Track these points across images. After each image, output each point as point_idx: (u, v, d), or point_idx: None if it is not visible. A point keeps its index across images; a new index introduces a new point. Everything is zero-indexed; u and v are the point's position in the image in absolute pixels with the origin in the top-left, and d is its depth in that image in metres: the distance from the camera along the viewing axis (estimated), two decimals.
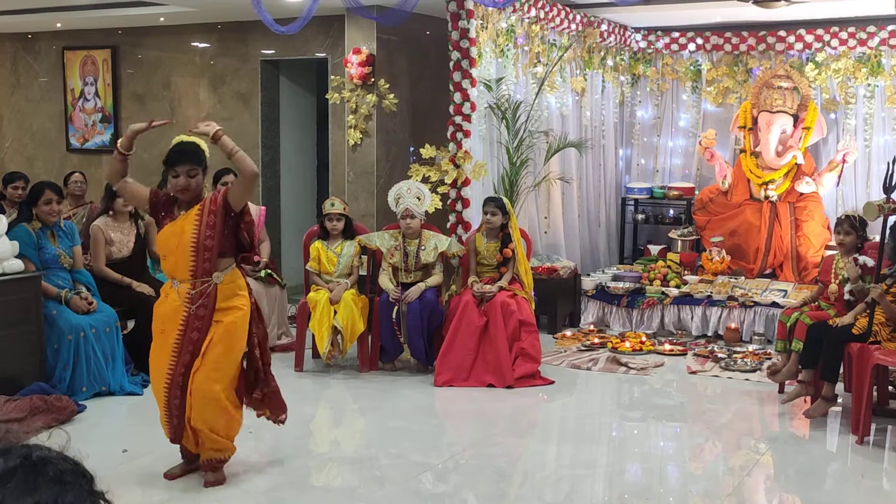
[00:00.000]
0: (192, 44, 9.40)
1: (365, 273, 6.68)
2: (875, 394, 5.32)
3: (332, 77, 8.30)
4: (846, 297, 5.57)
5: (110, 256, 6.22)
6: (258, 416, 4.46)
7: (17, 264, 5.48)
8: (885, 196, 5.30)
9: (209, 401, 4.08)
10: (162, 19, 9.07)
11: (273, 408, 4.44)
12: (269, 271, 6.95)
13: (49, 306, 5.60)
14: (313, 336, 6.32)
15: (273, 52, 8.99)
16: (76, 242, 5.96)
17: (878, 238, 5.46)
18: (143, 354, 6.08)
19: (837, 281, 5.71)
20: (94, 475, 1.14)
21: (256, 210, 7.16)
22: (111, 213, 6.29)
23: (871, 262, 5.40)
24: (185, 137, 4.29)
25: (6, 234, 5.50)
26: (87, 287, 5.86)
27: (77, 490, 1.09)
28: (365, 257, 6.69)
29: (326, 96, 8.38)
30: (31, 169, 9.45)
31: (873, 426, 5.12)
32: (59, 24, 9.70)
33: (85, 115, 10.05)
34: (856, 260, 5.49)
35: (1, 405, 5.04)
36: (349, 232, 6.54)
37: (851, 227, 5.68)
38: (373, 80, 8.00)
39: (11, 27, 9.97)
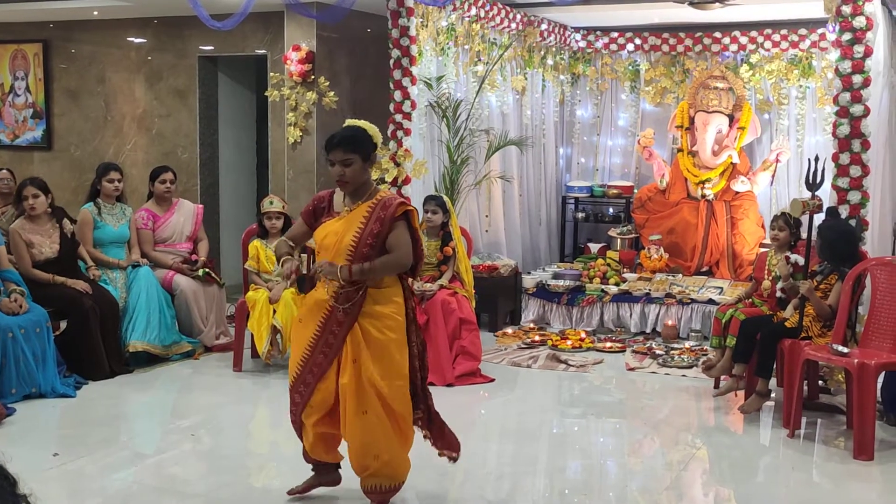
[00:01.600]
0: (128, 38, 9.24)
1: (306, 271, 6.62)
2: (806, 388, 5.44)
3: (272, 74, 8.23)
4: (778, 294, 5.69)
5: (34, 258, 6.08)
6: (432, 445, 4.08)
7: None
8: (810, 193, 5.41)
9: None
10: (96, 13, 8.89)
11: (442, 440, 4.05)
12: (208, 270, 6.87)
13: None
14: (252, 336, 6.25)
15: (211, 48, 8.88)
16: (0, 243, 5.83)
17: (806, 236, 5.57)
18: (75, 355, 6.01)
19: (770, 277, 5.83)
20: (17, 478, 1.11)
21: (193, 208, 7.09)
22: (27, 216, 6.14)
23: (802, 261, 5.52)
24: (350, 121, 3.90)
25: None
26: (18, 285, 5.74)
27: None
28: (304, 256, 6.63)
29: (266, 93, 8.31)
30: None
31: (804, 420, 5.23)
32: None
33: (15, 111, 9.82)
34: (787, 258, 5.61)
35: None
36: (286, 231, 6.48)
37: (786, 224, 5.81)
38: (313, 77, 7.95)
39: None
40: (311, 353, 3.79)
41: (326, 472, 4.07)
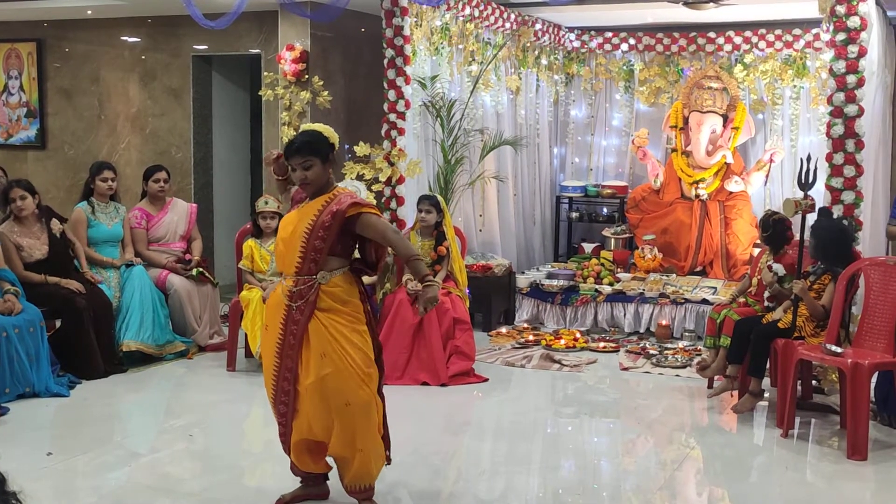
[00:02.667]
0: (122, 38, 9.22)
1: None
2: (799, 388, 5.45)
3: (266, 73, 8.22)
4: (766, 303, 5.70)
5: (25, 260, 6.06)
6: None
7: None
8: (802, 193, 5.43)
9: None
10: (90, 12, 8.87)
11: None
12: (201, 270, 6.86)
13: None
14: (246, 335, 6.25)
15: (205, 47, 8.87)
16: None
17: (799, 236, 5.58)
18: (69, 354, 6.00)
19: (759, 277, 5.83)
20: (5, 476, 1.11)
21: (187, 208, 7.09)
22: (14, 218, 6.12)
23: (782, 270, 5.54)
24: (306, 126, 3.99)
25: None
26: (13, 285, 5.73)
27: None
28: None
29: (260, 93, 8.29)
30: None
31: (797, 420, 5.25)
32: None
33: (9, 110, 9.80)
34: (770, 268, 5.61)
35: None
36: None
37: (760, 224, 5.88)
38: (307, 76, 7.95)
39: None
40: (281, 359, 3.81)
41: (315, 485, 4.06)
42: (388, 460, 4.00)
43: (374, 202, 6.70)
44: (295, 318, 3.76)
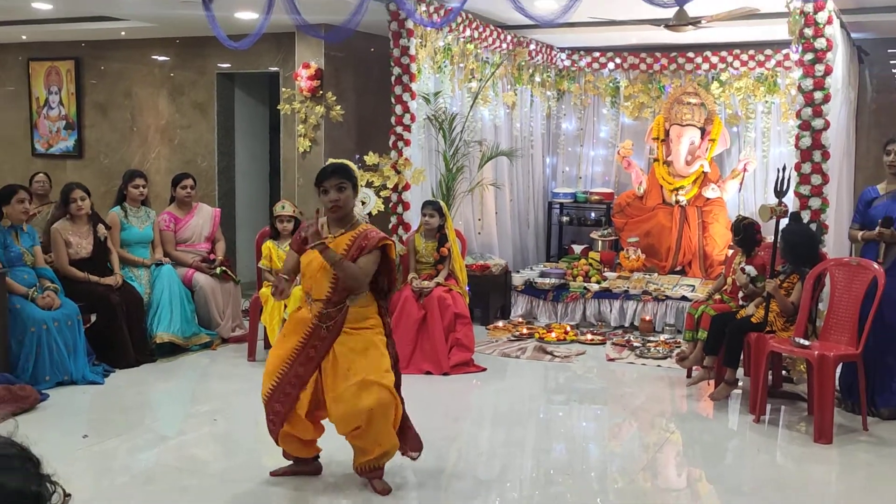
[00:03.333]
0: (152, 57, 9.22)
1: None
2: (770, 378, 5.44)
3: (284, 89, 8.21)
4: (740, 301, 5.69)
5: (71, 256, 6.10)
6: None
7: None
8: (776, 200, 5.42)
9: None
10: (123, 33, 8.87)
11: (406, 442, 3.98)
12: (225, 269, 6.86)
13: (13, 300, 5.46)
14: (265, 328, 6.24)
15: (229, 65, 8.86)
16: (36, 242, 5.87)
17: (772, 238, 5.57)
18: (104, 346, 5.99)
19: (733, 277, 5.82)
20: (40, 459, 1.10)
21: (211, 212, 7.08)
22: (68, 217, 6.14)
23: (754, 272, 5.52)
24: (333, 159, 4.02)
25: None
26: (52, 282, 5.74)
27: (23, 473, 1.06)
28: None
29: (278, 107, 8.29)
30: None
31: (769, 406, 5.23)
32: (24, 37, 9.43)
33: (49, 123, 9.79)
34: (742, 269, 5.60)
35: None
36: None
37: (732, 229, 5.88)
38: (321, 92, 7.94)
39: None
40: (291, 365, 3.79)
41: (306, 464, 4.06)
42: (414, 458, 3.99)
43: (382, 207, 6.68)
44: (322, 336, 3.76)
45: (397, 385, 3.89)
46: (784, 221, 5.45)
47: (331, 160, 4.04)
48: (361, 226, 3.85)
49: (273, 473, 4.05)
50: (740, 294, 5.65)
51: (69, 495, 1.10)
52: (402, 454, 3.98)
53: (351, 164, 3.99)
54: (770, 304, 5.28)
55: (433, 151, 7.47)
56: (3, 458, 1.06)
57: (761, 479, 4.26)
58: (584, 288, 7.74)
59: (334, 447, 4.04)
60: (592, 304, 7.69)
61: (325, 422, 3.97)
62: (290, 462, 4.09)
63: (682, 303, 7.29)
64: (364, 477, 3.90)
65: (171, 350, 6.39)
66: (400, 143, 6.83)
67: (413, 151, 6.93)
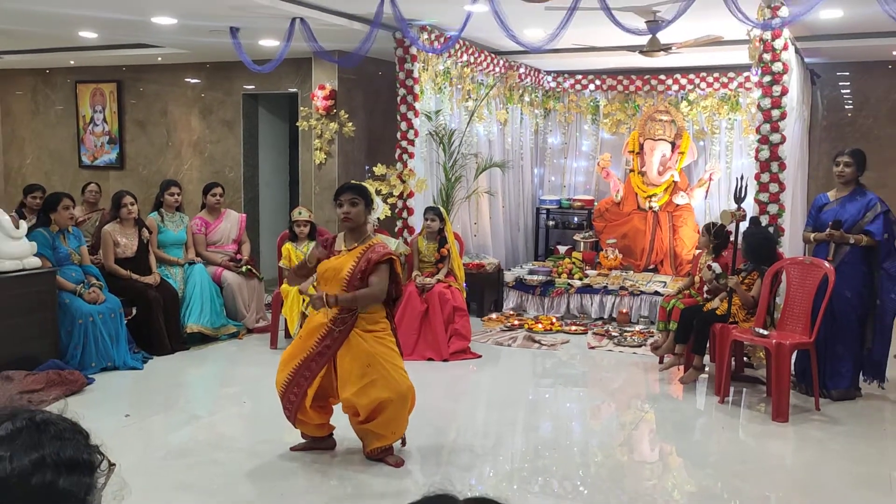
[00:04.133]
0: (186, 79, 9.22)
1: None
2: (733, 363, 5.45)
3: (302, 108, 8.22)
4: (706, 295, 5.69)
5: (117, 255, 6.12)
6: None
7: (36, 261, 5.37)
8: (736, 206, 5.43)
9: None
10: (160, 59, 8.88)
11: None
12: (250, 267, 6.86)
13: (63, 296, 5.47)
14: (285, 320, 6.25)
15: (253, 87, 8.87)
16: (82, 243, 5.88)
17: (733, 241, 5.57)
18: (143, 336, 6.00)
19: (700, 275, 5.83)
20: (89, 432, 1.11)
21: (238, 217, 7.08)
22: (119, 220, 6.18)
23: (719, 269, 5.53)
24: (353, 181, 4.07)
25: (25, 236, 5.37)
26: (97, 278, 5.75)
27: (75, 444, 1.08)
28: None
29: (297, 124, 8.29)
30: (49, 182, 9.17)
31: (732, 389, 5.24)
32: (72, 62, 9.44)
33: (94, 138, 9.80)
34: (709, 267, 5.61)
35: (22, 378, 4.90)
36: (314, 235, 6.48)
37: (706, 231, 5.87)
38: (335, 111, 7.94)
39: (32, 63, 9.67)
40: (304, 361, 3.81)
41: (321, 441, 4.08)
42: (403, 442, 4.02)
43: (389, 213, 6.69)
44: (334, 336, 3.78)
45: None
46: (744, 225, 5.46)
47: (352, 182, 4.06)
48: (371, 241, 3.87)
49: (293, 448, 4.07)
50: (706, 288, 5.66)
51: (114, 465, 1.12)
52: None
53: (368, 186, 4.00)
54: (733, 298, 5.29)
55: (434, 163, 7.47)
56: (57, 431, 1.08)
57: (725, 452, 4.27)
58: (568, 284, 7.75)
59: (346, 425, 4.04)
60: (575, 298, 7.69)
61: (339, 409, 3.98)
62: (307, 440, 4.10)
63: (655, 297, 7.28)
64: (375, 458, 3.91)
65: (202, 339, 6.39)
66: (405, 156, 6.83)
67: (416, 163, 6.93)
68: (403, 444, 4.01)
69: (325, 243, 3.94)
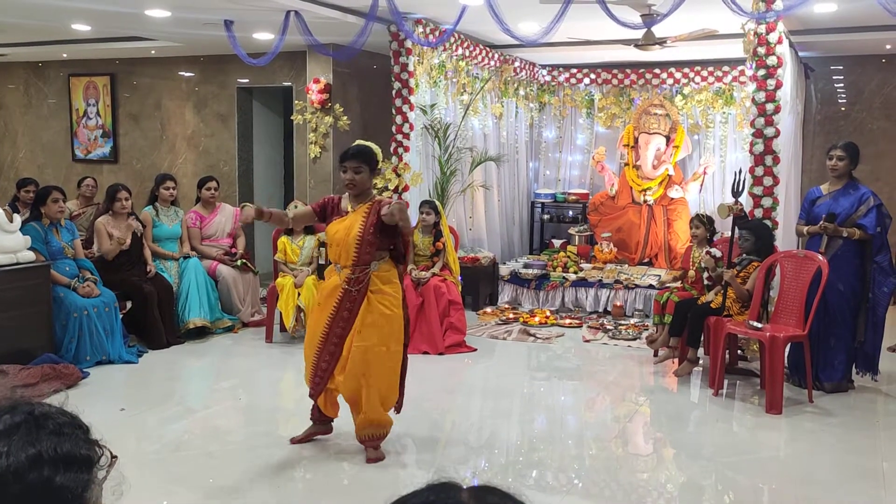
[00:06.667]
0: (179, 73, 9.19)
1: (323, 262, 6.62)
2: (727, 356, 5.46)
3: (296, 102, 8.20)
4: (705, 282, 5.70)
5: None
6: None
7: (30, 255, 5.35)
8: (733, 199, 5.44)
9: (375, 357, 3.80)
10: (153, 52, 8.85)
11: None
12: (245, 261, 6.85)
13: (57, 290, 5.46)
14: (281, 314, 6.24)
15: (247, 80, 8.84)
16: (76, 236, 5.86)
17: (728, 233, 5.59)
18: (138, 329, 5.99)
19: (695, 267, 5.84)
20: (89, 426, 1.11)
21: (233, 211, 7.07)
22: (112, 213, 6.16)
23: (718, 253, 5.55)
24: (360, 141, 3.99)
25: (19, 230, 5.35)
26: (91, 272, 5.74)
27: (74, 439, 1.07)
28: (323, 249, 6.62)
29: (291, 118, 8.28)
30: (42, 176, 9.14)
31: (726, 381, 5.26)
32: (65, 55, 9.40)
33: (88, 131, 9.76)
34: (709, 253, 5.62)
35: (17, 373, 4.89)
36: (309, 229, 6.48)
37: (700, 223, 5.87)
38: (330, 104, 7.92)
39: (24, 56, 9.63)
40: (330, 327, 3.82)
41: (323, 424, 4.11)
42: (398, 409, 4.03)
43: None
44: (352, 297, 3.80)
45: (405, 344, 3.96)
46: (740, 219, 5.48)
47: (358, 142, 3.99)
48: (376, 198, 3.90)
49: (293, 441, 4.07)
50: (705, 275, 5.67)
51: (115, 457, 1.11)
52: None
53: (373, 146, 3.94)
54: (727, 291, 5.31)
55: (429, 157, 7.46)
56: (56, 426, 1.07)
57: (719, 444, 4.29)
58: (563, 277, 7.76)
59: (341, 420, 4.05)
60: (570, 291, 7.71)
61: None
62: (312, 424, 4.10)
63: (650, 290, 7.30)
64: (363, 444, 3.93)
65: (198, 333, 6.39)
66: (400, 150, 6.83)
67: (412, 157, 6.92)
68: (398, 410, 4.03)
69: (331, 203, 3.96)
